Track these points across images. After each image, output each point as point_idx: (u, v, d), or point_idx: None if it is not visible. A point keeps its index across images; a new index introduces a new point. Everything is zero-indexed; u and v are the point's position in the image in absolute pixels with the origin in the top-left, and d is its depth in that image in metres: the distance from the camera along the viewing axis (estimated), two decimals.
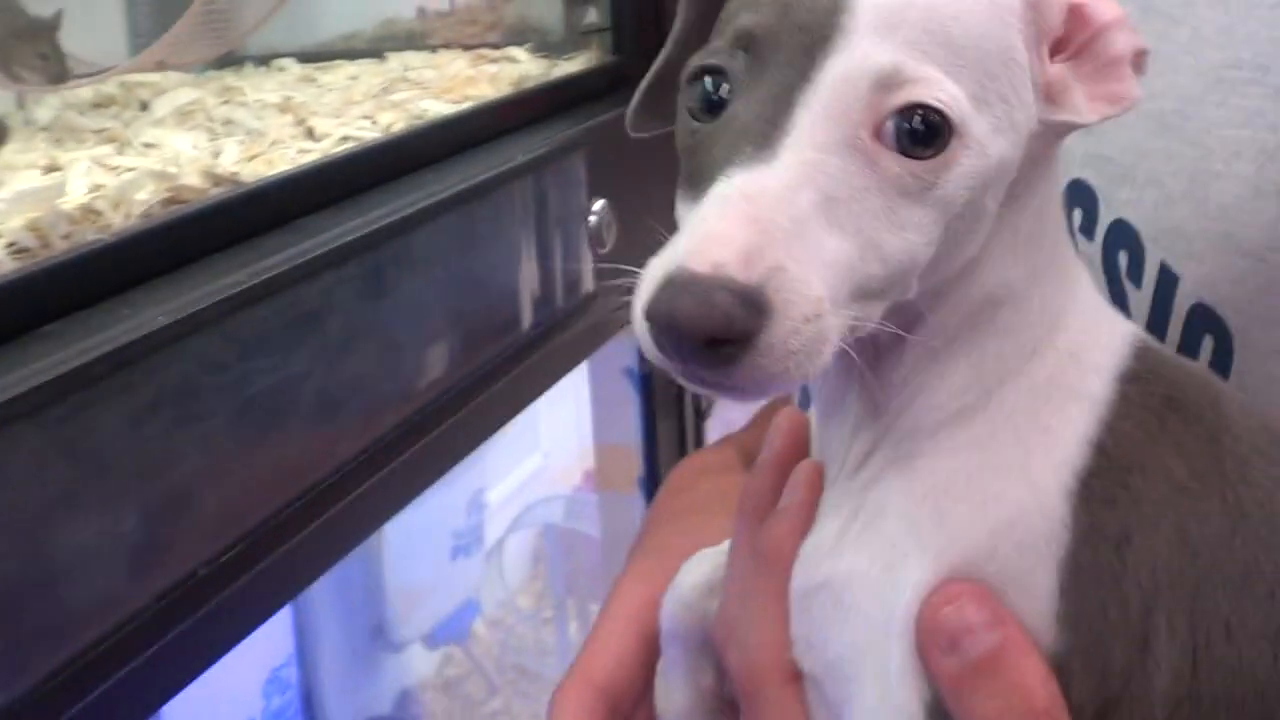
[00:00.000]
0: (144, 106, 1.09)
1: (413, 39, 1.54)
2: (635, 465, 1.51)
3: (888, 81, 0.52)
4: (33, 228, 0.71)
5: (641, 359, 1.38)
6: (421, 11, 1.65)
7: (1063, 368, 0.59)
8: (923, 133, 0.52)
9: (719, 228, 0.49)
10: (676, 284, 0.49)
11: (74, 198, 0.77)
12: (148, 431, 0.64)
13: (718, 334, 0.48)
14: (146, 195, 0.78)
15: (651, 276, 0.50)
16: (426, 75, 1.24)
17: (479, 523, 2.22)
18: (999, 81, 0.54)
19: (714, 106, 0.55)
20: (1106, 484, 0.56)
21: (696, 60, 0.56)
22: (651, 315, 0.49)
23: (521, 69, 1.26)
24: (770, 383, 0.50)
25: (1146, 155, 0.71)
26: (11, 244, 0.70)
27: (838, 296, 0.51)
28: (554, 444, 2.64)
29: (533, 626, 2.49)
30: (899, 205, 0.52)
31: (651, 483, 1.45)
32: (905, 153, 0.52)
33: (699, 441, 1.49)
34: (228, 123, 1.03)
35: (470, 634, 2.37)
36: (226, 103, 1.10)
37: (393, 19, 1.61)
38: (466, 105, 1.09)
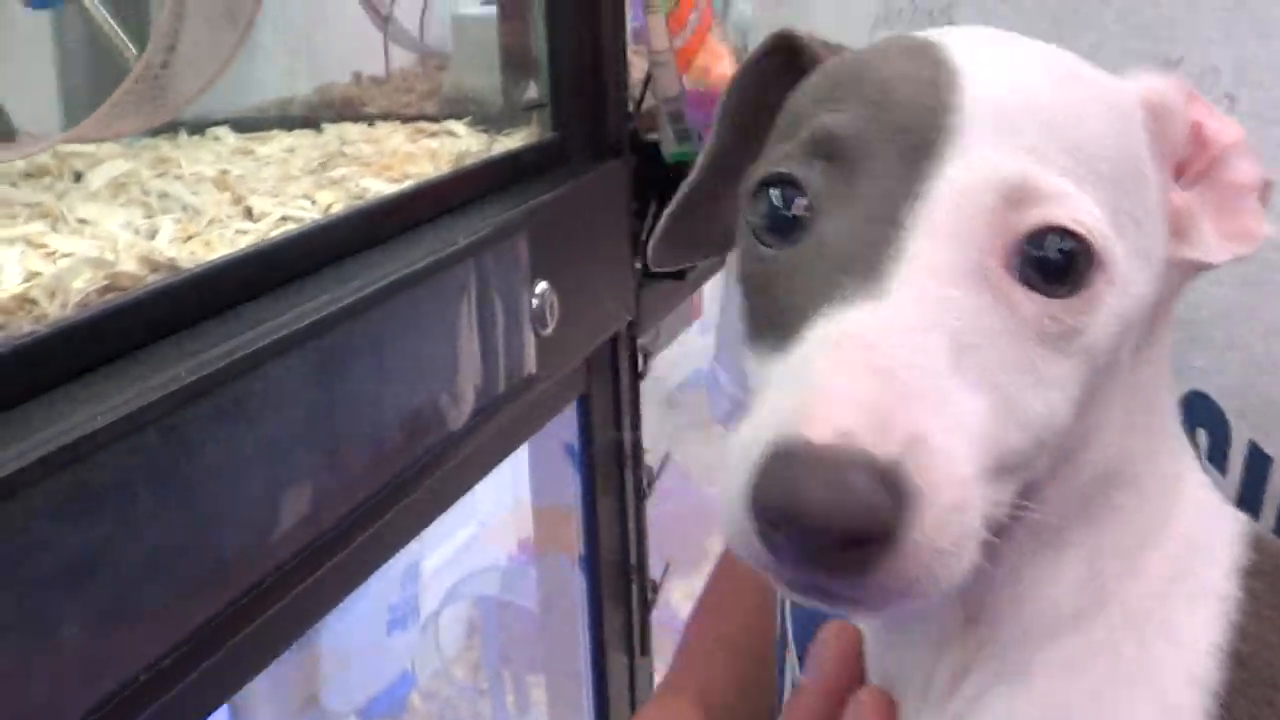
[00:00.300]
0: (77, 177, 1.07)
1: (348, 106, 1.54)
2: (574, 527, 1.49)
3: (1017, 195, 0.42)
4: None
5: (583, 437, 1.37)
6: (357, 77, 1.65)
7: (1182, 561, 0.49)
8: (1060, 263, 0.42)
9: (836, 383, 0.38)
10: (793, 459, 0.37)
11: (9, 288, 0.75)
12: (83, 535, 0.62)
13: (857, 531, 0.36)
14: (83, 284, 0.76)
15: (748, 446, 0.39)
16: (365, 150, 1.23)
17: (414, 594, 2.19)
18: (1132, 201, 0.45)
19: (786, 226, 0.45)
20: (1250, 703, 0.47)
21: (761, 169, 0.46)
22: (765, 502, 0.38)
23: (461, 144, 1.26)
24: (906, 594, 0.39)
25: (1226, 314, 0.60)
26: None
27: (982, 475, 0.40)
28: (489, 512, 2.62)
29: (469, 699, 2.45)
30: (1038, 356, 0.42)
31: (593, 560, 1.43)
32: (1038, 289, 0.42)
33: (640, 520, 1.47)
34: (163, 196, 1.01)
35: (406, 706, 2.33)
36: (161, 175, 1.09)
37: (327, 85, 1.61)
38: (408, 184, 1.09)
